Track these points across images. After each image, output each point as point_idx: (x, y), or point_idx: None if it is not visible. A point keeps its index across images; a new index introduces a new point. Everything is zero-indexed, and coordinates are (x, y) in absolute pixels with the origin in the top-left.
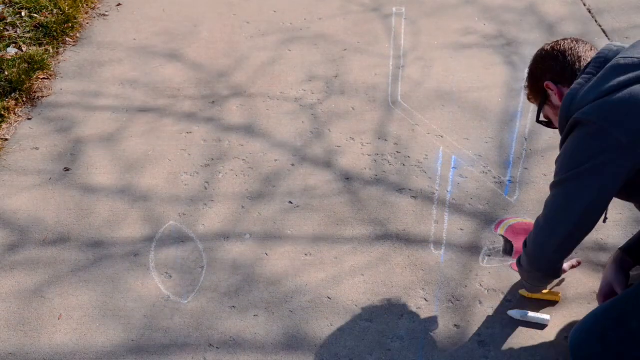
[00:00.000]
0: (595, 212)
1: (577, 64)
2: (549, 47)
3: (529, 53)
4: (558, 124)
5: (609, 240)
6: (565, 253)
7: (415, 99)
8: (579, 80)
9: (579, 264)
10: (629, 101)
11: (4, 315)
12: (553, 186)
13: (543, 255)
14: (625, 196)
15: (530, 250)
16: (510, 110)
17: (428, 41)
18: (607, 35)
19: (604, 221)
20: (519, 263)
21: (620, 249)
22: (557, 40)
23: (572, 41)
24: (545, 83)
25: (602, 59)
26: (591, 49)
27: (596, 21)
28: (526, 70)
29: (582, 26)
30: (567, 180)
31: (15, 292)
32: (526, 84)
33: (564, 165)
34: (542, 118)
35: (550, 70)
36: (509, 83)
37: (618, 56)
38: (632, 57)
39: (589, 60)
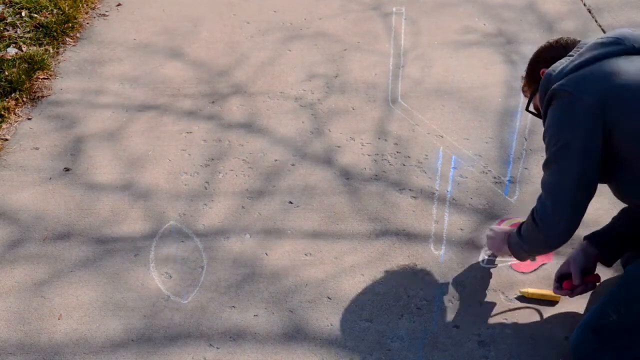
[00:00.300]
0: (587, 180)
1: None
2: (553, 41)
3: (529, 52)
4: (538, 100)
5: None
6: (576, 223)
7: (416, 98)
8: (561, 61)
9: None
10: (598, 70)
11: (4, 315)
12: (545, 165)
13: (556, 232)
14: (603, 174)
15: (542, 225)
16: (510, 110)
17: (428, 40)
18: (604, 33)
19: None
20: (519, 235)
21: (585, 237)
22: (560, 37)
23: (575, 40)
24: (542, 70)
25: (584, 44)
26: None
27: (595, 20)
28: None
29: (582, 25)
30: (555, 156)
31: (15, 292)
32: (523, 74)
33: (549, 141)
34: (531, 108)
35: (549, 60)
36: (509, 82)
37: (597, 38)
38: (608, 37)
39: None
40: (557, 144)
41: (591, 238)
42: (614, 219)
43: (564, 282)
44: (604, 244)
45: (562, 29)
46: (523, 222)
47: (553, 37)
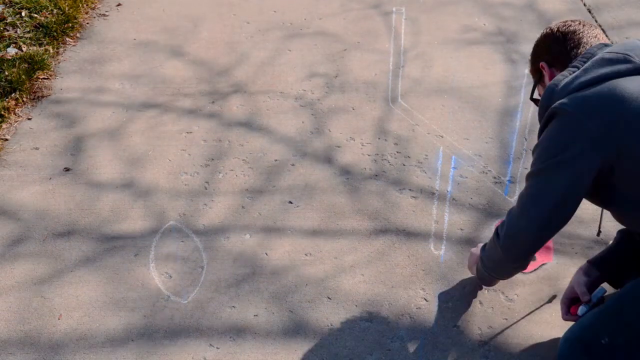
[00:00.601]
0: (567, 205)
1: (575, 50)
2: (555, 26)
3: (529, 52)
4: (538, 111)
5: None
6: (536, 245)
7: (416, 98)
8: (564, 73)
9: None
10: (605, 94)
11: (4, 315)
12: (528, 177)
13: (516, 246)
14: (599, 201)
15: (504, 240)
16: (510, 110)
17: (428, 40)
18: (604, 33)
19: (598, 234)
20: (483, 251)
21: (587, 261)
22: (566, 21)
23: (580, 24)
24: (541, 63)
25: (590, 55)
26: (596, 36)
27: (595, 20)
28: (526, 71)
29: None
30: (541, 172)
31: (15, 292)
32: (529, 58)
33: (539, 156)
34: (536, 96)
35: (548, 52)
36: (509, 82)
37: (604, 51)
38: (617, 52)
39: (590, 47)
40: (548, 159)
41: (593, 262)
42: (615, 240)
43: (572, 308)
44: (606, 267)
45: None
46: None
47: (555, 21)
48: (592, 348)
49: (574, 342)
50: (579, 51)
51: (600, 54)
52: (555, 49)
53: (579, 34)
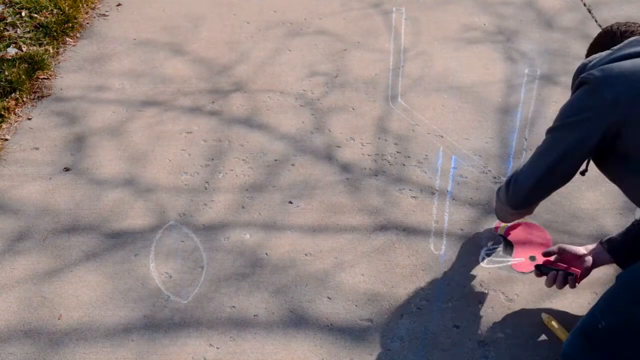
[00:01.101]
0: (567, 162)
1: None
2: (615, 25)
3: (529, 50)
4: (571, 86)
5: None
6: (537, 195)
7: (416, 98)
8: (601, 53)
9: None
10: (628, 69)
11: (4, 315)
12: (546, 133)
13: (518, 191)
14: (612, 171)
15: (511, 184)
16: (510, 110)
17: (428, 40)
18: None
19: (583, 174)
20: (497, 193)
21: (599, 241)
22: (627, 22)
23: (628, 29)
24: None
25: (632, 40)
26: None
27: (593, 16)
28: (526, 70)
29: (580, 21)
30: (554, 130)
31: (15, 292)
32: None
33: (558, 116)
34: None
35: (600, 46)
36: (509, 82)
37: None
38: None
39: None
40: (563, 120)
41: (603, 241)
42: (628, 228)
43: (546, 260)
44: (615, 248)
45: (561, 24)
46: None
47: (549, 38)
48: (590, 332)
49: (576, 332)
50: None
51: (634, 37)
52: (601, 43)
53: (630, 30)
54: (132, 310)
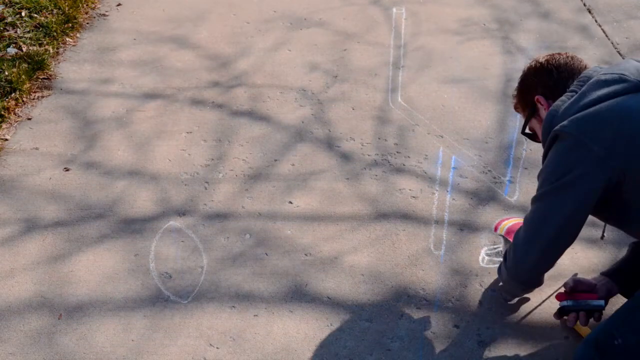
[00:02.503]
0: (572, 226)
1: (570, 80)
2: (543, 59)
3: (529, 50)
4: (541, 139)
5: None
6: (545, 267)
7: (416, 98)
8: (562, 98)
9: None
10: (605, 113)
11: (4, 315)
12: (533, 201)
13: (523, 269)
14: (615, 221)
15: (510, 263)
16: (510, 110)
17: (428, 41)
18: (600, 27)
19: (602, 238)
20: (499, 272)
21: (601, 273)
22: (553, 54)
23: (568, 57)
24: (536, 97)
25: (586, 78)
26: (585, 65)
27: (589, 10)
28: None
29: (576, 16)
30: (546, 195)
31: (15, 292)
32: (515, 93)
33: (544, 180)
34: (527, 130)
35: (542, 85)
36: (509, 82)
37: (600, 73)
38: (612, 73)
39: (585, 71)
40: (553, 183)
41: (606, 273)
42: (627, 252)
43: (558, 295)
44: (619, 278)
45: (559, 18)
46: None
47: (542, 54)
48: (606, 349)
49: (588, 343)
50: (574, 79)
51: (595, 77)
52: (549, 81)
53: (569, 65)
54: (132, 310)
